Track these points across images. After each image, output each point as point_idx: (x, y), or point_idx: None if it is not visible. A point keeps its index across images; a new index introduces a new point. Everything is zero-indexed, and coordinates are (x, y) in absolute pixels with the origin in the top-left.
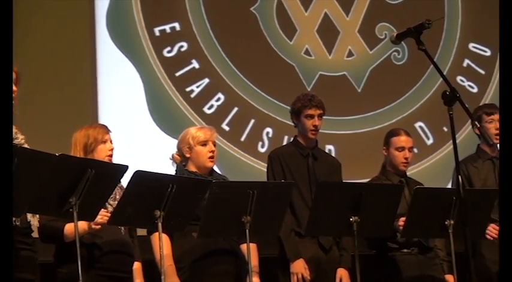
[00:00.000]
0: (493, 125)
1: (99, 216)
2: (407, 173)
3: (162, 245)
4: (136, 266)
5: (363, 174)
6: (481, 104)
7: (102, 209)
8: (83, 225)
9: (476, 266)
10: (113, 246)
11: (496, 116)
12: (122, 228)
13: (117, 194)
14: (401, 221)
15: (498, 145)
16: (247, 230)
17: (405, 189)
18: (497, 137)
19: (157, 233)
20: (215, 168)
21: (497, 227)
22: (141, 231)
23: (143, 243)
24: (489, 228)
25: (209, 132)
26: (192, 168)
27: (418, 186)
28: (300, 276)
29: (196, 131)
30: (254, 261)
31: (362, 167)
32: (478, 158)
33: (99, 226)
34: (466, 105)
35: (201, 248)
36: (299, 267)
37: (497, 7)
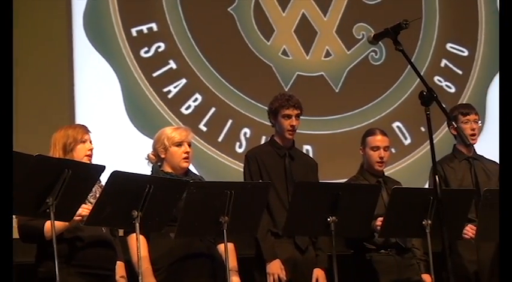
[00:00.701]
0: (468, 125)
1: (80, 209)
2: (386, 173)
3: (139, 246)
4: (119, 264)
5: (340, 174)
6: (458, 104)
7: (83, 204)
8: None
9: (453, 266)
10: (95, 241)
11: (472, 117)
12: (103, 228)
13: (97, 192)
14: (379, 221)
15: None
16: (224, 230)
17: (383, 189)
18: (473, 138)
19: (133, 234)
20: (192, 168)
21: (474, 227)
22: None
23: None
24: (466, 228)
25: (184, 133)
26: (167, 168)
27: (395, 186)
28: (276, 276)
29: (172, 132)
30: (232, 260)
31: (340, 167)
32: (455, 158)
33: (80, 217)
34: (443, 106)
35: (178, 250)
36: (275, 267)
37: (474, 7)
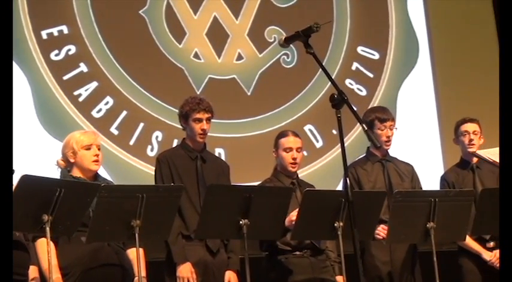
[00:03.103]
0: (384, 132)
1: None
2: (299, 175)
3: (50, 250)
4: (32, 268)
5: (253, 177)
6: (369, 106)
7: None
8: None
9: (365, 267)
10: None
11: (388, 123)
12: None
13: None
14: (290, 221)
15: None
16: (136, 234)
17: (297, 191)
18: (387, 144)
19: (41, 240)
20: (103, 171)
21: (386, 228)
22: None
23: None
24: (378, 228)
25: (93, 136)
26: (76, 173)
27: (307, 189)
28: (186, 280)
29: (80, 136)
30: (142, 266)
31: (252, 170)
32: (368, 160)
33: None
34: (354, 108)
35: (87, 257)
36: (186, 271)
37: (385, 11)
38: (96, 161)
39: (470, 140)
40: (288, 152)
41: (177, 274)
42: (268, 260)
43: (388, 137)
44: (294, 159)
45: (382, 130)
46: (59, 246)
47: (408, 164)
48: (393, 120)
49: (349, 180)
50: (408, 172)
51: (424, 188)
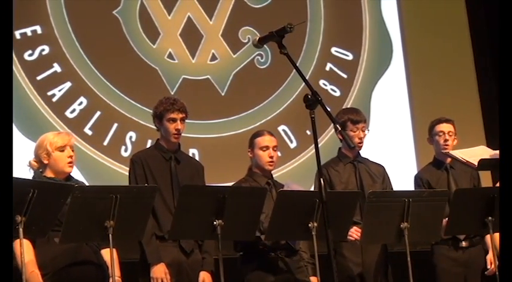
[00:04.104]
0: (356, 133)
1: None
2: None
3: (23, 251)
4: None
5: (227, 177)
6: (343, 107)
7: None
8: None
9: (337, 268)
10: None
11: (361, 125)
12: None
13: None
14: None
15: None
16: (110, 235)
17: (273, 191)
18: (360, 145)
19: (18, 240)
20: (76, 172)
21: (359, 229)
22: None
23: None
24: (351, 230)
25: (67, 137)
26: (49, 174)
27: (281, 189)
28: (160, 281)
29: (54, 137)
30: (116, 266)
31: (227, 170)
32: (340, 161)
33: None
34: (328, 109)
35: (65, 256)
36: (159, 271)
37: (359, 12)
38: (70, 162)
39: (445, 140)
40: (264, 151)
41: (151, 275)
42: (242, 261)
43: (360, 138)
44: (271, 157)
45: (355, 132)
46: (37, 246)
47: (380, 165)
48: (365, 121)
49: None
50: (380, 173)
51: (397, 188)
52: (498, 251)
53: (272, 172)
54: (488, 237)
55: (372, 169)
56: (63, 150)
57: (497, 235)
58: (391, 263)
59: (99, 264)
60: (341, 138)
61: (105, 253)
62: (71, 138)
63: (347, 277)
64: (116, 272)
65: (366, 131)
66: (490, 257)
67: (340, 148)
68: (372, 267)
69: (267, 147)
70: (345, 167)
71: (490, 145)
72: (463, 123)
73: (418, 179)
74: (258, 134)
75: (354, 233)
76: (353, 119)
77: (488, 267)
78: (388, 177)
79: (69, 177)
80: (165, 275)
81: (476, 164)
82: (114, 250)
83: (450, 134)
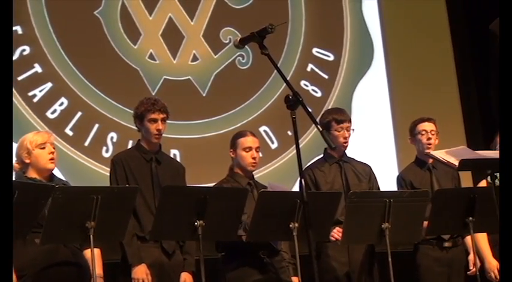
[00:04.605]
0: (341, 133)
1: None
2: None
3: None
4: None
5: (209, 178)
6: (324, 108)
7: None
8: None
9: (322, 267)
10: None
11: (345, 125)
12: None
13: None
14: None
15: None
16: (91, 236)
17: (254, 191)
18: (345, 145)
19: None
20: (57, 173)
21: (341, 229)
22: None
23: None
24: (334, 230)
25: (46, 135)
26: (31, 174)
27: (263, 190)
28: None
29: (33, 136)
30: (98, 267)
31: (208, 171)
32: (325, 161)
33: None
34: (309, 110)
35: (43, 258)
36: (140, 272)
37: (340, 12)
38: (52, 159)
39: (428, 139)
40: (247, 152)
41: (132, 275)
42: (224, 261)
43: (345, 138)
44: (254, 158)
45: (339, 131)
46: (15, 247)
47: (366, 164)
48: (350, 121)
49: (307, 182)
50: (366, 173)
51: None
52: (482, 251)
53: (253, 173)
54: (468, 237)
55: (358, 169)
56: (43, 148)
57: (478, 235)
58: (379, 262)
59: (79, 265)
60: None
61: (88, 253)
62: (50, 136)
63: (333, 277)
64: (98, 272)
65: (351, 131)
66: (471, 258)
67: (326, 148)
68: (358, 266)
69: (250, 148)
70: (330, 167)
71: (470, 145)
72: (443, 123)
73: (400, 180)
74: (240, 134)
75: (336, 233)
76: (337, 119)
77: (471, 267)
78: (375, 177)
79: (52, 177)
80: (146, 276)
81: (456, 164)
82: (98, 250)
83: (433, 133)
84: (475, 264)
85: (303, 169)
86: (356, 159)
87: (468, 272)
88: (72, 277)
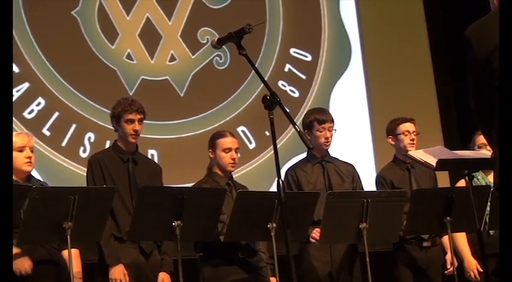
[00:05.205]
0: (323, 133)
1: None
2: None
3: None
4: None
5: (186, 178)
6: (302, 108)
7: None
8: None
9: (304, 267)
10: None
11: (327, 125)
12: None
13: None
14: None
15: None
16: (68, 236)
17: (233, 192)
18: (327, 144)
19: None
20: (35, 173)
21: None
22: None
23: None
24: (314, 231)
25: (26, 138)
26: None
27: (240, 190)
28: None
29: (14, 137)
30: (77, 267)
31: (186, 171)
32: (308, 162)
33: None
34: (287, 110)
35: (19, 257)
36: (118, 272)
37: (317, 13)
38: (29, 162)
39: (412, 140)
40: (227, 152)
41: (109, 276)
42: (202, 261)
43: (327, 138)
44: (233, 159)
45: (321, 131)
46: None
47: (349, 164)
48: (332, 121)
49: (290, 183)
50: (349, 172)
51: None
52: (462, 250)
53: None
54: (446, 237)
55: (341, 168)
56: (21, 151)
57: (457, 235)
58: (361, 261)
59: (57, 263)
60: (309, 138)
61: (65, 254)
62: (30, 139)
63: (315, 277)
64: (77, 273)
65: (333, 131)
66: (449, 257)
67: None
68: (340, 265)
69: (230, 149)
70: (313, 167)
71: (447, 145)
72: (421, 123)
73: (381, 179)
74: (220, 135)
75: (315, 234)
76: (319, 119)
77: (448, 267)
78: (359, 176)
79: (29, 177)
80: (124, 276)
81: (434, 164)
82: (77, 250)
83: (414, 133)
84: (452, 264)
85: (286, 169)
86: (339, 159)
87: (446, 272)
88: (51, 275)
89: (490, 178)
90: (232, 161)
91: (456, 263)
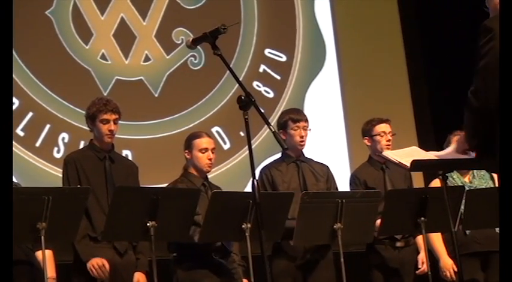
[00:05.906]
0: (297, 132)
1: None
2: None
3: None
4: None
5: (161, 179)
6: (277, 108)
7: None
8: None
9: (280, 267)
10: None
11: (302, 124)
12: None
13: None
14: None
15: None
16: (42, 237)
17: (208, 192)
18: (301, 144)
19: None
20: None
21: None
22: None
23: None
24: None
25: None
26: None
27: (215, 190)
28: (99, 270)
29: None
30: (50, 268)
31: (160, 172)
32: (283, 161)
33: None
34: (262, 110)
35: None
36: (96, 262)
37: (292, 14)
38: None
39: (388, 141)
40: (203, 153)
41: (88, 267)
42: (175, 262)
43: (302, 137)
44: (210, 159)
45: (296, 130)
46: None
47: (324, 164)
48: (307, 121)
49: (264, 182)
50: (323, 172)
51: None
52: (437, 250)
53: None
54: (420, 237)
55: (315, 168)
56: None
57: (432, 235)
58: (334, 262)
59: (31, 264)
60: (285, 138)
61: (40, 255)
62: None
63: (291, 275)
64: (51, 273)
65: (308, 130)
66: (421, 257)
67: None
68: (317, 264)
69: (206, 149)
70: (288, 166)
71: (422, 145)
72: (395, 124)
73: (355, 178)
74: (196, 135)
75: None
76: (293, 118)
77: (419, 266)
78: (333, 177)
79: None
80: (102, 264)
81: (408, 165)
82: (50, 252)
83: (390, 134)
84: (424, 263)
85: (261, 168)
86: (314, 159)
87: (417, 271)
88: (25, 275)
89: (466, 179)
90: (209, 162)
91: (429, 263)
